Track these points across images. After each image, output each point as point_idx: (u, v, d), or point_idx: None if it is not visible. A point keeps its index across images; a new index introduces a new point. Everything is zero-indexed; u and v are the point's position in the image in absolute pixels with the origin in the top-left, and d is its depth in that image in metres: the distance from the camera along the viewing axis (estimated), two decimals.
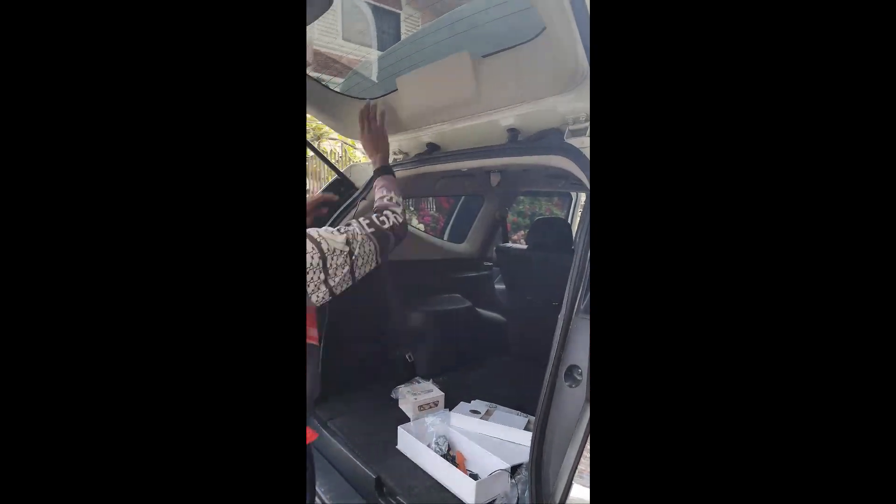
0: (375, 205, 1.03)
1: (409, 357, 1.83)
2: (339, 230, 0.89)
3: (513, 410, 1.42)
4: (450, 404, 1.53)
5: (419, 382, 1.72)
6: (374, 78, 1.67)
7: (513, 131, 1.22)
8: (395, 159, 1.59)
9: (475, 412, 1.41)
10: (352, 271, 0.88)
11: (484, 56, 1.12)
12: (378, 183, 1.12)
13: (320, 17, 1.09)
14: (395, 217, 0.97)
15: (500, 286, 2.49)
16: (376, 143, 1.21)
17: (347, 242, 0.87)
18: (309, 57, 1.68)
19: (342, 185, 1.64)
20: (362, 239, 0.89)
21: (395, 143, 1.55)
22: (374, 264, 0.91)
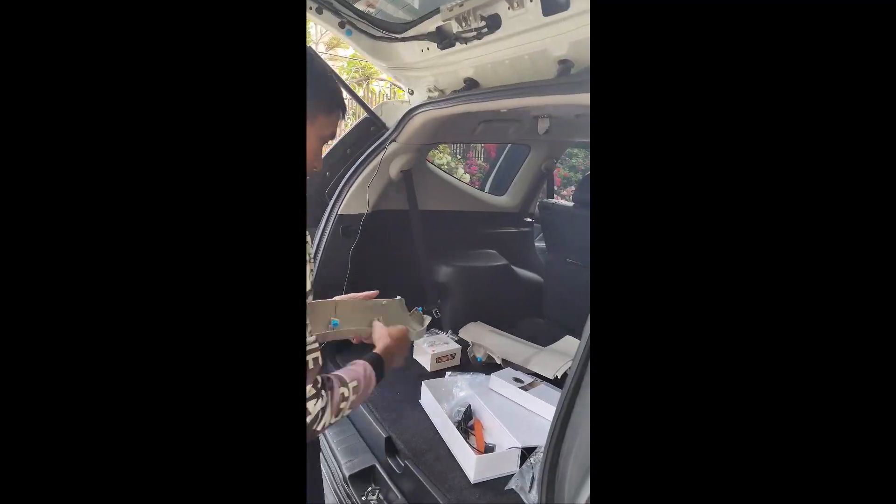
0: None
1: (436, 313, 1.74)
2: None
3: (559, 389, 1.31)
4: (493, 369, 1.43)
5: (437, 334, 1.65)
6: (415, 4, 1.47)
7: (565, 63, 1.01)
8: (429, 96, 1.42)
9: (518, 381, 1.31)
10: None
11: None
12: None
13: None
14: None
15: (540, 244, 2.32)
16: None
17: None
18: None
19: (372, 125, 1.50)
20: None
21: (431, 77, 1.37)
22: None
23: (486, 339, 1.62)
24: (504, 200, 2.14)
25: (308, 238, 0.61)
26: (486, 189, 2.26)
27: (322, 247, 1.44)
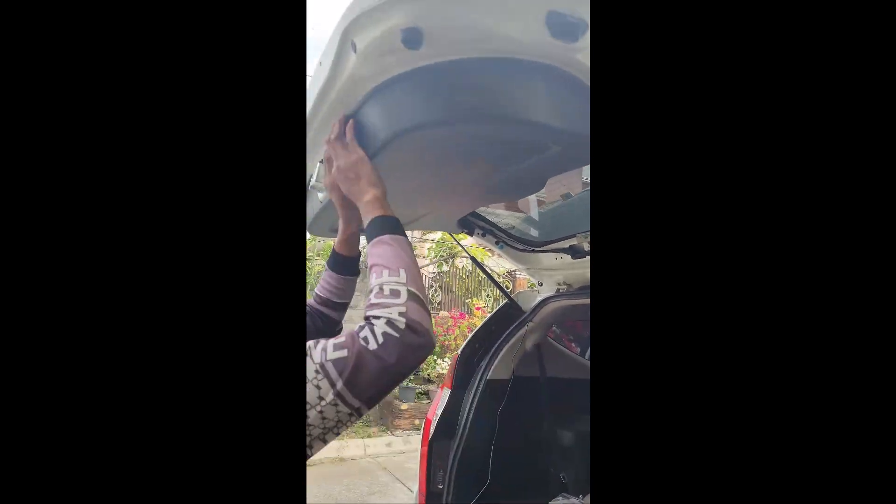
0: (368, 299, 0.60)
1: (564, 478, 1.89)
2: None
3: None
4: None
5: (568, 498, 1.76)
6: (535, 215, 2.04)
7: None
8: (558, 289, 1.86)
9: None
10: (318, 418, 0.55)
11: None
12: (370, 252, 0.64)
13: None
14: (387, 320, 0.55)
15: None
16: (357, 170, 0.71)
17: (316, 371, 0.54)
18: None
19: (511, 308, 1.95)
20: (314, 374, 0.54)
21: (561, 276, 1.84)
22: (334, 421, 0.55)
23: None
24: None
25: None
26: (586, 357, 2.54)
27: (473, 407, 1.75)
